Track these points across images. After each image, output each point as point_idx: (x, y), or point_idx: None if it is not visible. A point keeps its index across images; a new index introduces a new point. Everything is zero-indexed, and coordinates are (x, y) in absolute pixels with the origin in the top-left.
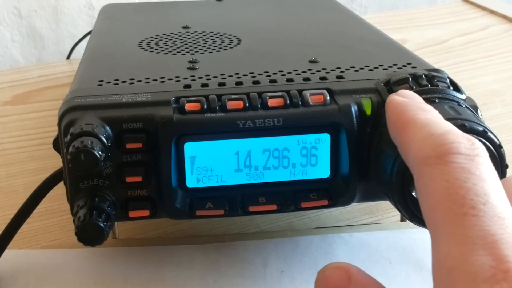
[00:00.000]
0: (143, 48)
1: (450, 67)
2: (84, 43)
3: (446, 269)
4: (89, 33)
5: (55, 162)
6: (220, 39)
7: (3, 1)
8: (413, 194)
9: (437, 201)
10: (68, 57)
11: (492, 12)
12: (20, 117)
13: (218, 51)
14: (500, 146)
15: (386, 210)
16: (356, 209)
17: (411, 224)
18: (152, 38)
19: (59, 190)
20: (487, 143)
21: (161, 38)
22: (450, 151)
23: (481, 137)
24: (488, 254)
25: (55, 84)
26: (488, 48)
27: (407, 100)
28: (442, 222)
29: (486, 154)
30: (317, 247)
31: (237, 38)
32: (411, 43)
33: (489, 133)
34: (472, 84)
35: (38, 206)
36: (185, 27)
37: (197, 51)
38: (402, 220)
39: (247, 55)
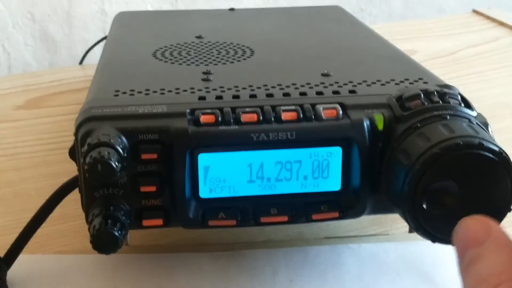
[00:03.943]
0: (158, 58)
1: (459, 78)
2: (96, 48)
3: None
4: (102, 39)
5: (68, 166)
6: (234, 50)
7: (17, 6)
8: (423, 206)
9: None
10: (80, 62)
11: (502, 24)
12: (33, 122)
13: (231, 62)
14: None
15: (395, 221)
16: (365, 220)
17: (419, 235)
18: (166, 48)
19: (72, 195)
20: (497, 160)
21: (175, 48)
22: None
23: (496, 156)
24: None
25: (67, 89)
26: (498, 60)
27: None
28: None
29: None
30: (326, 257)
31: (250, 49)
32: (421, 54)
33: (504, 154)
34: (481, 96)
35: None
36: (199, 37)
37: (210, 62)
38: (410, 231)
39: (260, 67)
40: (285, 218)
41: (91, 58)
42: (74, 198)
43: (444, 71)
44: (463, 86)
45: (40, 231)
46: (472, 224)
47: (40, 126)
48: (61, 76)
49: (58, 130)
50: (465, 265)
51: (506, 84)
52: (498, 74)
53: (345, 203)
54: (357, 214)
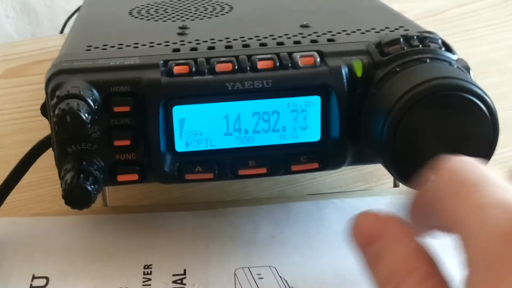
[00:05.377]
0: (134, 16)
1: (447, 37)
2: None
3: None
4: None
5: (48, 133)
6: (212, 6)
7: None
8: (403, 151)
9: None
10: (61, 31)
11: None
12: (12, 90)
13: (209, 17)
14: (493, 107)
15: (380, 177)
16: (349, 177)
17: (403, 189)
18: (143, 6)
19: (51, 160)
20: (479, 102)
21: (152, 6)
22: None
23: (473, 96)
24: None
25: (48, 58)
26: (486, 18)
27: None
28: None
29: None
30: (309, 213)
31: (229, 5)
32: (409, 13)
33: (485, 95)
34: (470, 54)
35: (30, 176)
36: None
37: (188, 18)
38: (395, 186)
39: (238, 21)
40: (264, 170)
41: None
42: (52, 163)
43: (433, 30)
44: (452, 44)
45: (17, 196)
46: (364, 221)
47: (20, 95)
48: (41, 45)
49: (37, 98)
50: (369, 265)
51: (494, 42)
52: (487, 32)
53: (325, 154)
54: (337, 165)
